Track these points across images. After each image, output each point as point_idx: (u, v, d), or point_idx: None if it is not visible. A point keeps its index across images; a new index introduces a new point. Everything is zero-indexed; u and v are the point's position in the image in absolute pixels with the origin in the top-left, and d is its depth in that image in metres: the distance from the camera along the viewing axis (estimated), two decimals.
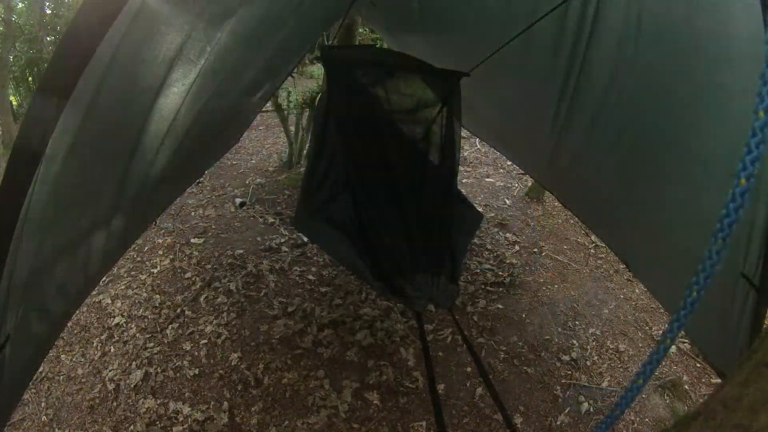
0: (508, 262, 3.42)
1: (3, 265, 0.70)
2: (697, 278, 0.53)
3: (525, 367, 2.49)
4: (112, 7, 0.66)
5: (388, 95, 2.02)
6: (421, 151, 2.07)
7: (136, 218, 1.62)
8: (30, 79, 9.22)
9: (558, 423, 2.20)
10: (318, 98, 2.12)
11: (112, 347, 2.50)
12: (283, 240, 3.42)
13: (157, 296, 2.86)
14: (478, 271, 3.28)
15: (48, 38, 8.03)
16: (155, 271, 3.10)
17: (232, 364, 2.38)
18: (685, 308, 0.54)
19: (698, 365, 2.64)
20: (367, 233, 1.84)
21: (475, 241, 3.66)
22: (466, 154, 5.41)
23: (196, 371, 2.34)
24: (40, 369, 2.37)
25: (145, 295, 2.88)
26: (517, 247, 3.63)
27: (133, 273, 3.09)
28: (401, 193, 1.87)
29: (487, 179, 4.88)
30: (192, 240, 3.45)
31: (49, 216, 0.84)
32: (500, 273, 3.26)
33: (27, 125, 0.67)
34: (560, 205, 3.48)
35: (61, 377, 2.34)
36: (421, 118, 2.09)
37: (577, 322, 2.87)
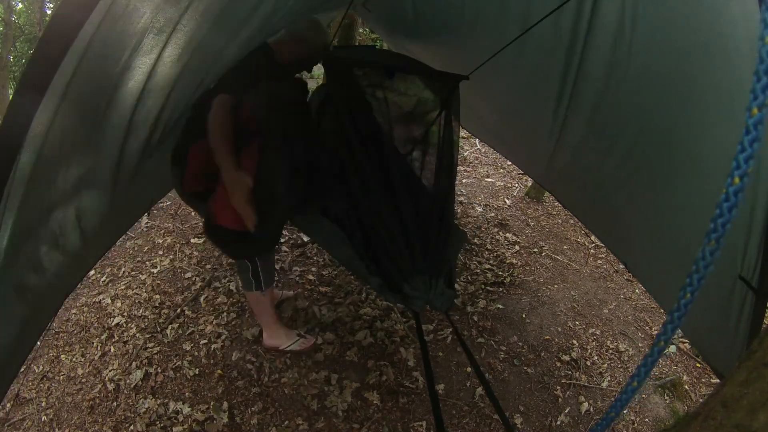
0: (508, 262, 3.42)
1: None
2: (690, 280, 0.53)
3: (525, 367, 2.49)
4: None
5: (387, 96, 2.02)
6: (419, 153, 2.07)
7: (124, 203, 1.59)
8: None
9: (558, 423, 2.20)
10: (309, 97, 2.10)
11: (112, 347, 2.50)
12: (283, 240, 3.42)
13: (157, 296, 2.86)
14: (478, 271, 3.28)
15: None
16: (155, 271, 3.11)
17: (232, 363, 2.38)
18: (679, 310, 0.54)
19: (698, 365, 2.64)
20: (366, 233, 1.83)
21: (475, 241, 3.66)
22: (466, 154, 5.41)
23: (196, 371, 2.34)
24: (40, 369, 2.38)
25: (145, 295, 2.88)
26: (517, 247, 3.63)
27: (133, 273, 3.10)
28: (399, 195, 1.86)
29: (487, 179, 4.88)
30: (192, 240, 3.45)
31: (26, 193, 0.85)
32: (500, 273, 3.27)
33: (7, 119, 0.69)
34: (560, 205, 3.48)
35: (61, 377, 2.34)
36: (419, 120, 2.09)
37: (577, 322, 2.87)
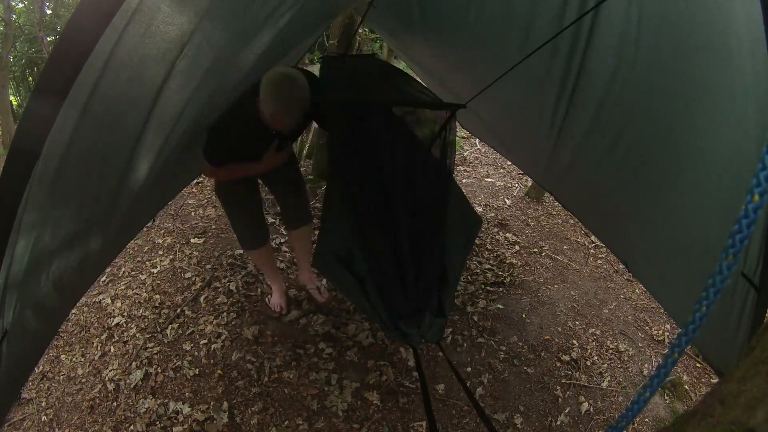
0: (508, 262, 3.42)
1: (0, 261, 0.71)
2: (706, 293, 0.52)
3: (525, 367, 2.49)
4: (110, 4, 0.66)
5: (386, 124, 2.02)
6: (414, 180, 2.05)
7: (134, 217, 1.62)
8: (30, 79, 9.24)
9: (558, 423, 2.20)
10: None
11: (112, 347, 2.50)
12: (283, 240, 3.42)
13: (157, 296, 2.86)
14: (478, 271, 3.28)
15: (48, 38, 8.02)
16: (155, 271, 3.10)
17: (232, 363, 2.38)
18: (694, 322, 0.54)
19: (698, 365, 2.64)
20: (368, 272, 1.83)
21: (475, 241, 3.66)
22: (466, 154, 5.41)
23: (196, 371, 2.34)
24: (40, 369, 2.37)
25: (145, 295, 2.88)
26: (517, 247, 3.63)
27: (133, 273, 3.10)
28: (394, 227, 1.87)
29: (487, 179, 4.88)
30: (192, 240, 3.45)
31: (46, 214, 0.84)
32: (500, 273, 3.27)
33: (24, 123, 0.68)
34: (560, 205, 3.48)
35: (61, 377, 2.34)
36: (416, 146, 2.08)
37: (577, 322, 2.87)
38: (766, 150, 0.48)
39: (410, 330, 1.73)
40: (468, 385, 2.35)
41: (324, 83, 2.10)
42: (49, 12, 8.86)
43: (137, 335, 2.56)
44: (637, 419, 2.27)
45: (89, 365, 2.40)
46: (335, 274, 1.86)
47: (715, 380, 2.51)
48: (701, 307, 0.53)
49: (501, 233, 3.81)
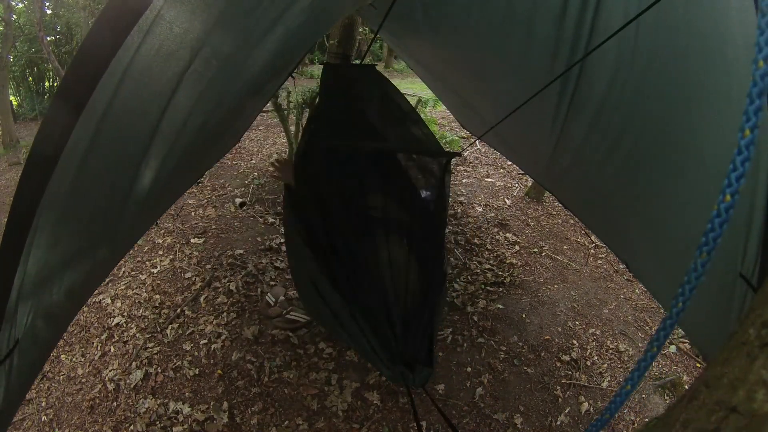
0: (508, 262, 3.42)
1: (15, 271, 0.70)
2: (682, 290, 0.55)
3: (525, 367, 2.49)
4: (127, 21, 0.67)
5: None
6: (407, 229, 2.06)
7: (139, 225, 1.62)
8: (30, 79, 9.23)
9: (558, 423, 2.20)
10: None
11: (112, 347, 2.50)
12: (283, 240, 3.42)
13: (157, 296, 2.86)
14: (478, 271, 3.28)
15: (48, 38, 8.01)
16: (155, 271, 3.11)
17: (232, 363, 2.38)
18: (671, 318, 0.56)
19: (698, 365, 2.64)
20: (356, 321, 1.85)
21: (475, 241, 3.67)
22: (466, 154, 5.41)
23: (196, 371, 2.34)
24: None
25: (145, 295, 2.88)
26: (517, 247, 3.63)
27: (133, 273, 3.10)
28: (386, 281, 1.87)
29: (487, 179, 4.88)
30: (192, 240, 3.45)
31: (61, 225, 0.84)
32: (500, 273, 3.27)
33: (44, 129, 0.67)
34: (560, 205, 3.48)
35: (61, 377, 2.34)
36: (411, 194, 2.09)
37: (577, 322, 2.87)
38: (737, 152, 0.50)
39: (400, 376, 1.76)
40: (468, 385, 2.35)
41: (323, 104, 2.13)
42: (49, 12, 8.85)
43: (137, 335, 2.56)
44: (637, 419, 2.27)
45: (89, 365, 2.40)
46: (322, 315, 1.91)
47: None
48: (678, 303, 0.55)
49: (501, 233, 3.82)
